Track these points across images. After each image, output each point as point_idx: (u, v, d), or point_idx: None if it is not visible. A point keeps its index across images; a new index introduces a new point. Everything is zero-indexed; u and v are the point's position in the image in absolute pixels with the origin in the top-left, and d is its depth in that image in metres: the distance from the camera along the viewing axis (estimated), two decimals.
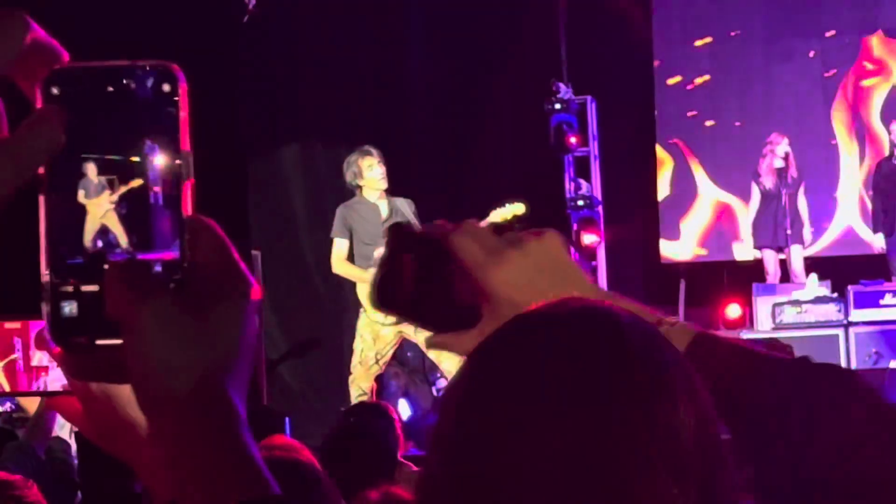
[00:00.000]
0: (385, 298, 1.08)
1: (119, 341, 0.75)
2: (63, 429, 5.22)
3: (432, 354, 7.63)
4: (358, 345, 7.64)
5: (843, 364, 8.23)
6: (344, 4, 9.87)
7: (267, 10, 9.18)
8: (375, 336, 7.53)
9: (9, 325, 4.93)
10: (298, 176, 9.82)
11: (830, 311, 8.71)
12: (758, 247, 9.86)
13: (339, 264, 7.72)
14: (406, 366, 8.59)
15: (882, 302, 8.78)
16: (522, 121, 10.20)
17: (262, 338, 8.45)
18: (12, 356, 4.73)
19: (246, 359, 0.77)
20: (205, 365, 0.75)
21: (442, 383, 8.36)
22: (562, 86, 9.89)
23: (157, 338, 0.74)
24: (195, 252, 0.76)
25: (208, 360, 0.75)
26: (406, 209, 7.67)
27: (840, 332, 8.61)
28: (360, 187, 7.62)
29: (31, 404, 5.19)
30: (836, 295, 8.92)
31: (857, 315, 8.66)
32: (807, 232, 9.64)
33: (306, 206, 9.75)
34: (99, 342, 0.76)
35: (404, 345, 7.88)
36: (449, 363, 7.40)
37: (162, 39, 7.84)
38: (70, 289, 0.76)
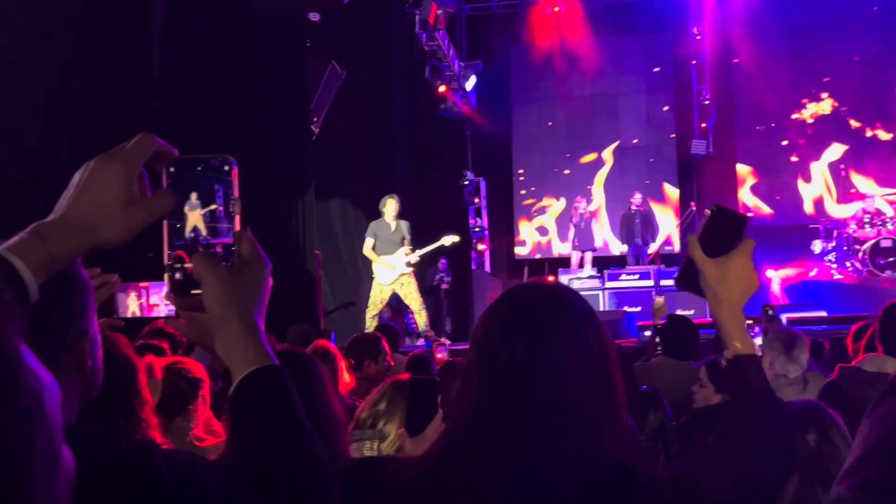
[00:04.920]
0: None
1: (200, 291, 1.05)
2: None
3: (407, 300, 9.24)
4: (372, 293, 9.70)
5: (601, 308, 11.01)
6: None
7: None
8: (380, 290, 9.61)
9: (142, 284, 7.35)
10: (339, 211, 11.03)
11: (595, 283, 11.94)
12: (572, 250, 13.30)
13: (367, 251, 9.66)
14: (392, 306, 10.29)
15: (621, 278, 11.94)
16: (452, 188, 13.17)
17: (320, 295, 9.49)
18: (140, 300, 7.10)
19: (264, 300, 1.08)
20: (242, 301, 1.06)
21: (410, 317, 10.04)
22: (468, 173, 13.46)
23: (216, 289, 1.05)
24: (240, 247, 1.08)
25: (243, 299, 1.06)
26: (404, 226, 9.66)
27: (600, 293, 11.71)
28: (383, 213, 9.61)
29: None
30: (600, 275, 12.18)
31: (608, 285, 11.85)
32: (595, 243, 13.22)
33: (346, 226, 11.08)
34: (193, 292, 1.06)
35: (393, 295, 9.64)
36: (415, 304, 9.49)
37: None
38: (178, 265, 1.06)
